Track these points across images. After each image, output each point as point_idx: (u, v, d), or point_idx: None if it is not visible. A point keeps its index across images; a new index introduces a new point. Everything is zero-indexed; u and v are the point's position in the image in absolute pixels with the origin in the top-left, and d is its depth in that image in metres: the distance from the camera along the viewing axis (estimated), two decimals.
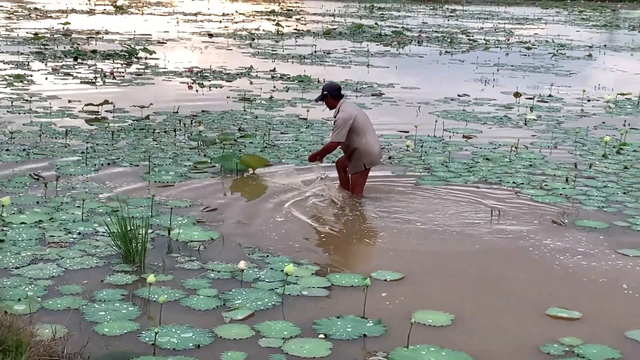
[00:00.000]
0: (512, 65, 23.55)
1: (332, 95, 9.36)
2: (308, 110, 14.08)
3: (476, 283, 7.12)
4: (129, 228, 7.28)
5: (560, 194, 9.84)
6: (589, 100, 17.38)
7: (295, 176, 9.90)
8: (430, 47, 28.49)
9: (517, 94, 17.61)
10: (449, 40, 30.60)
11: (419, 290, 6.86)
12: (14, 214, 8.45)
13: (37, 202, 8.89)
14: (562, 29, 38.81)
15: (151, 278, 6.32)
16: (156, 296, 6.48)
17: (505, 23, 41.66)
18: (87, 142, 11.84)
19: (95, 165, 10.54)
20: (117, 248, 7.39)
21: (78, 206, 8.73)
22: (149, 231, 7.57)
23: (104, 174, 10.20)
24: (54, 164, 10.53)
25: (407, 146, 11.92)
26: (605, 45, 30.68)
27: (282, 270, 7.07)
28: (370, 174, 10.30)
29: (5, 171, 10.13)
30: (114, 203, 8.93)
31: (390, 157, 11.50)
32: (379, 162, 9.60)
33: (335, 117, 9.39)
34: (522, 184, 10.28)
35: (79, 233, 7.96)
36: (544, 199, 9.63)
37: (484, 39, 31.45)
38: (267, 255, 7.52)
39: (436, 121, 13.79)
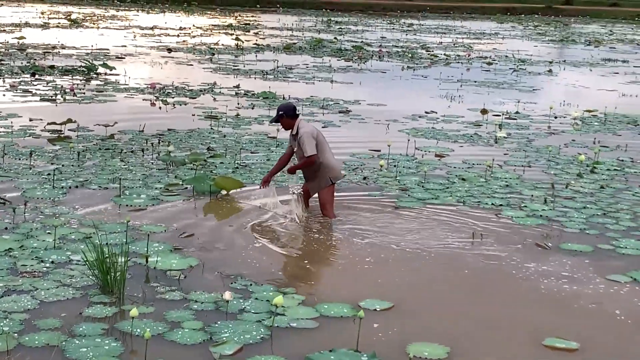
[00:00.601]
0: (475, 81, 23.56)
1: (288, 115, 9.30)
2: (278, 130, 13.85)
3: (467, 311, 6.94)
4: (105, 256, 6.99)
5: (541, 216, 9.72)
6: (555, 117, 17.39)
7: (275, 197, 9.66)
8: (392, 62, 28.44)
9: (484, 111, 17.57)
10: (409, 55, 30.60)
11: (411, 320, 6.66)
12: None
13: (6, 229, 8.55)
14: (519, 44, 39.08)
15: (134, 311, 6.04)
16: (139, 330, 6.21)
17: (463, 38, 41.86)
18: (52, 163, 11.50)
19: (62, 187, 10.21)
20: (94, 278, 7.08)
21: (49, 232, 8.41)
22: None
23: (73, 197, 9.87)
24: (19, 187, 10.17)
25: (381, 166, 11.74)
26: (564, 61, 30.89)
27: (268, 300, 6.86)
28: (348, 195, 10.17)
29: None
30: (86, 229, 8.63)
31: (365, 178, 11.32)
32: (342, 177, 9.62)
33: (295, 134, 9.29)
34: (501, 205, 10.15)
35: (52, 262, 7.65)
36: (524, 221, 9.51)
37: (444, 54, 31.50)
38: (251, 284, 7.27)
39: (408, 140, 13.63)
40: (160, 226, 8.88)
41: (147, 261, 7.63)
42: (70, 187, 10.25)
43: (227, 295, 6.64)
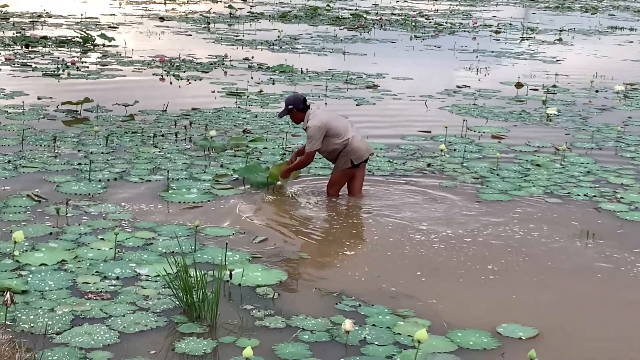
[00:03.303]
0: (492, 51, 22.44)
1: (298, 108, 8.50)
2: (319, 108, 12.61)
3: (631, 340, 5.85)
4: (186, 272, 5.85)
5: None
6: (597, 91, 16.32)
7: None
8: (396, 31, 27.19)
9: (518, 85, 16.48)
10: (412, 24, 29.36)
11: (572, 354, 5.55)
12: (26, 251, 6.91)
13: (50, 234, 7.35)
14: (515, 11, 37.94)
15: (248, 351, 4.91)
16: None
17: (457, 4, 40.60)
18: (78, 150, 10.27)
19: (100, 181, 8.99)
20: (179, 302, 5.92)
21: (102, 239, 7.25)
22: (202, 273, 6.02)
23: (115, 193, 8.67)
24: (50, 180, 8.95)
25: (442, 150, 10.62)
26: (574, 29, 29.80)
27: (389, 327, 5.76)
28: (421, 186, 9.09)
29: None
30: (142, 233, 7.46)
31: (429, 165, 10.19)
32: (367, 156, 8.66)
33: (305, 128, 8.46)
34: (594, 196, 9.09)
35: (117, 277, 6.47)
36: (631, 216, 8.45)
37: (448, 23, 30.29)
38: (359, 305, 6.14)
39: (465, 120, 12.46)
40: (225, 228, 7.70)
41: (231, 277, 6.46)
42: (109, 180, 9.03)
43: (348, 324, 5.51)
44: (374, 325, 5.81)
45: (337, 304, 6.14)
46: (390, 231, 7.78)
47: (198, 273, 5.90)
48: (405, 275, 6.72)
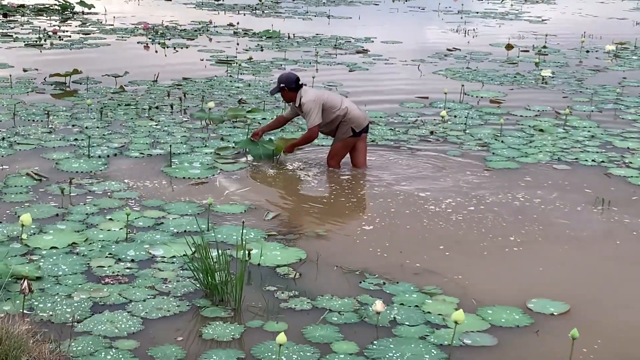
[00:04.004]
0: (477, 12, 22.26)
1: (289, 88, 8.32)
2: (314, 77, 12.42)
3: None
4: (206, 253, 5.68)
5: None
6: (588, 52, 16.21)
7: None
8: None
9: (509, 46, 16.34)
10: None
11: (605, 329, 5.45)
12: (34, 234, 6.69)
13: (56, 215, 7.13)
14: None
15: (282, 337, 4.75)
16: None
17: None
18: (73, 125, 10.01)
19: (100, 157, 8.77)
20: (200, 285, 5.76)
21: (110, 219, 7.03)
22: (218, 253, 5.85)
23: (117, 169, 8.46)
24: (48, 158, 8.71)
25: (442, 117, 10.49)
26: None
27: (417, 306, 5.63)
28: (426, 153, 8.97)
29: None
30: (151, 211, 7.26)
31: (432, 132, 10.04)
32: (366, 123, 8.49)
33: (299, 105, 8.29)
34: (602, 161, 8.99)
35: (133, 260, 6.28)
36: None
37: None
38: (384, 283, 6.00)
39: (462, 85, 12.30)
40: (236, 205, 7.52)
41: (249, 256, 6.29)
42: (108, 156, 8.82)
43: (379, 305, 5.37)
44: (402, 304, 5.67)
45: (360, 282, 6.00)
46: (404, 203, 7.63)
47: (218, 254, 5.72)
48: (427, 250, 6.57)
